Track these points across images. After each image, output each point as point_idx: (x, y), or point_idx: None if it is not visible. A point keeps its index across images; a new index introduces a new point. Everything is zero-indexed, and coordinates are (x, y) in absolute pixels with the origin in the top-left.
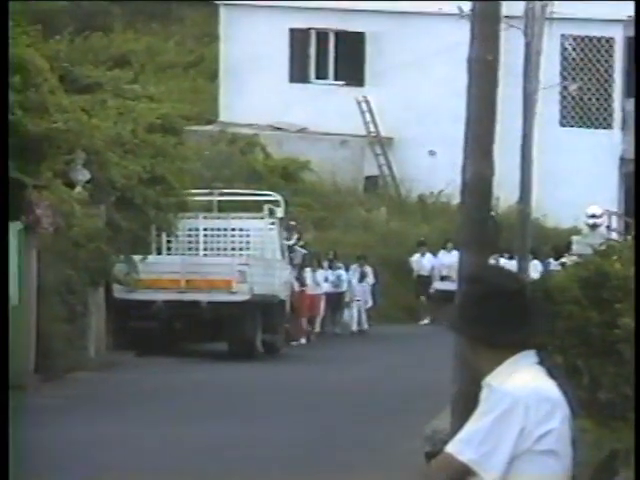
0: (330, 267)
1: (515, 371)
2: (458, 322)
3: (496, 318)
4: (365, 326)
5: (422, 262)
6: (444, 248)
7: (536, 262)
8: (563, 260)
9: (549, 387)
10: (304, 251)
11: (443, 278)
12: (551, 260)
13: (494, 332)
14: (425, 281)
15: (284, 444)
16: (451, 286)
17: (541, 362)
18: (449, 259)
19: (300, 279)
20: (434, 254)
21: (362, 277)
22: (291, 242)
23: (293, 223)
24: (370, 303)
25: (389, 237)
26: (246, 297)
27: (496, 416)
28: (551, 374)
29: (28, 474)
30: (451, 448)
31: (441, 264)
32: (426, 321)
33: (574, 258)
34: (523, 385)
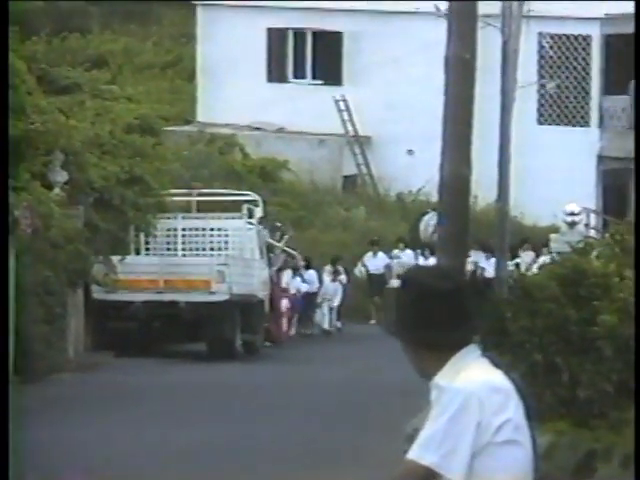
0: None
1: (462, 368)
2: (396, 326)
3: (434, 320)
4: (338, 325)
5: (375, 261)
6: (397, 248)
7: (492, 260)
8: (517, 260)
9: (499, 378)
10: (294, 252)
11: (399, 276)
12: (481, 258)
13: (434, 334)
14: (378, 280)
15: (265, 444)
16: None
17: (484, 355)
18: (403, 258)
19: (277, 280)
20: (387, 253)
21: (334, 276)
22: (280, 244)
23: (278, 224)
24: (337, 302)
25: (368, 236)
26: (225, 297)
27: (450, 415)
28: (496, 365)
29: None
30: (411, 454)
31: (396, 262)
32: (373, 321)
33: (530, 254)
34: (472, 379)
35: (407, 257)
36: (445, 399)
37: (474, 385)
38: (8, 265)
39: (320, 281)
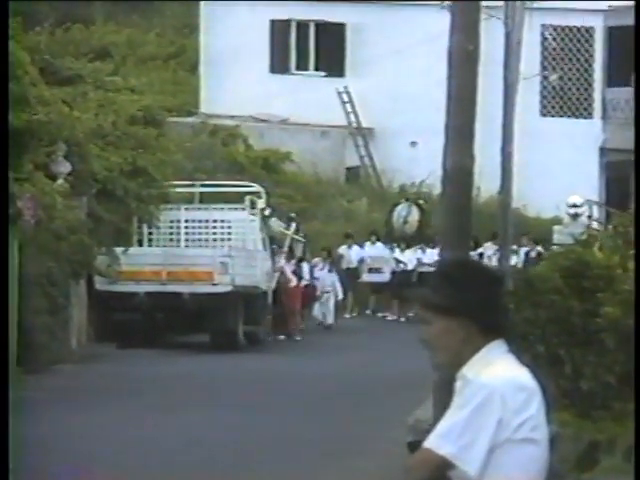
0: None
1: (490, 362)
2: (450, 304)
3: (500, 303)
4: (329, 320)
5: (349, 254)
6: (369, 240)
7: (432, 251)
8: (480, 250)
9: (524, 375)
10: (300, 240)
11: (371, 270)
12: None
13: (491, 316)
14: (352, 274)
15: (267, 434)
16: (379, 278)
17: (511, 350)
18: (374, 251)
19: (297, 272)
20: (361, 246)
21: (331, 267)
22: (292, 234)
23: (292, 215)
24: (340, 295)
25: (370, 228)
26: (228, 288)
27: (473, 408)
28: (522, 362)
29: (12, 467)
30: (429, 443)
31: (369, 256)
32: (348, 315)
33: (489, 245)
34: (498, 375)
35: (377, 250)
36: (469, 392)
37: (499, 381)
38: (8, 256)
39: (311, 273)
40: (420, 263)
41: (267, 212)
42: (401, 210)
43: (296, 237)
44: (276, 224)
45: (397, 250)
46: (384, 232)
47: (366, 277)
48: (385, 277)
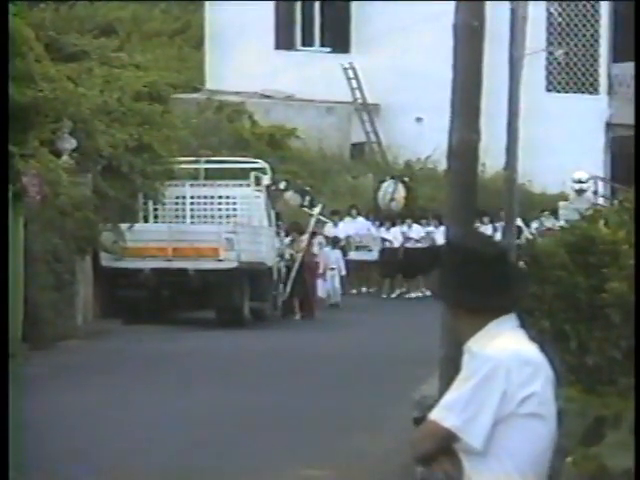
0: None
1: (496, 335)
2: (439, 288)
3: (475, 284)
4: (337, 298)
5: (336, 232)
6: (349, 215)
7: (418, 227)
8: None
9: (531, 350)
10: (326, 220)
11: (359, 248)
12: (432, 227)
13: (473, 298)
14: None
15: (272, 410)
16: (367, 256)
17: (522, 325)
18: (354, 227)
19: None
20: (341, 220)
21: (334, 245)
22: (315, 213)
23: (307, 188)
24: (344, 272)
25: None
26: (233, 265)
27: (478, 381)
28: (532, 337)
29: (17, 442)
30: (434, 415)
31: (356, 234)
32: (355, 290)
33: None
34: (504, 349)
35: (358, 225)
36: (474, 365)
37: (504, 354)
38: (8, 233)
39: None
40: (406, 238)
41: (282, 186)
42: (387, 187)
43: (322, 218)
44: (292, 198)
45: (382, 229)
46: (372, 209)
47: (354, 255)
48: (373, 255)
